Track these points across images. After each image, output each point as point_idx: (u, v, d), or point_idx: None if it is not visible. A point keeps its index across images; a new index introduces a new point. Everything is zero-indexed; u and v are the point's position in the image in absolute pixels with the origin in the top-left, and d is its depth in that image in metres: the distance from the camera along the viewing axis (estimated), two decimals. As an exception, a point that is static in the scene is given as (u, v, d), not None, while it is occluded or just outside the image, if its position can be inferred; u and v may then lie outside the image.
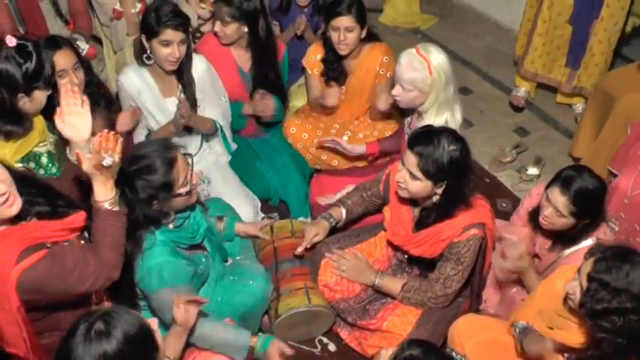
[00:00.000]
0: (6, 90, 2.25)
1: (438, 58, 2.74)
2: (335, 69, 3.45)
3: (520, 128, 4.19)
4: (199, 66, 3.14)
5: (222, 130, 3.32)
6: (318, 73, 3.51)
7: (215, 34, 3.34)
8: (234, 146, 3.47)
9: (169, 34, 2.86)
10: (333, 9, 3.25)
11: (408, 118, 3.06)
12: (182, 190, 2.31)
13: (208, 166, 3.33)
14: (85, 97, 2.02)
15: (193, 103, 3.13)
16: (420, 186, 2.41)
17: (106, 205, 2.02)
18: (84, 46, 3.51)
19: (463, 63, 4.79)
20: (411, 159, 2.38)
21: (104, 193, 2.02)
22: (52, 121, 2.34)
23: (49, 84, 2.33)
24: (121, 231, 2.07)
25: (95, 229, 2.04)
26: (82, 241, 2.07)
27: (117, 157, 1.99)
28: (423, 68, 2.72)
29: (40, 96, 2.33)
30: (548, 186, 2.51)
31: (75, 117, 1.99)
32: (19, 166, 2.35)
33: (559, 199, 2.43)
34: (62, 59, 2.70)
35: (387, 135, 3.44)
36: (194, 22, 3.82)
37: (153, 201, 2.27)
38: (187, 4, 3.86)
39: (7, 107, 2.27)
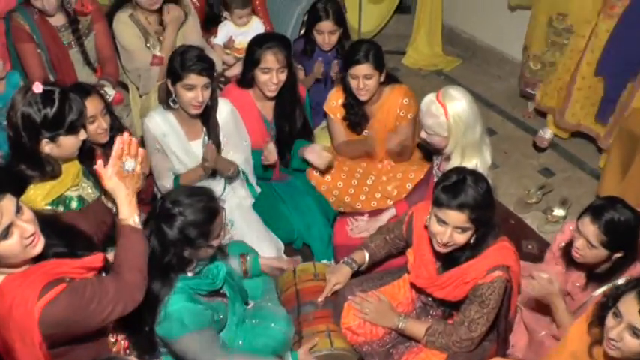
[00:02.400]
0: (27, 134, 2.31)
1: (456, 105, 2.76)
2: (356, 113, 3.47)
3: (545, 169, 4.15)
4: (224, 109, 3.19)
5: (245, 175, 3.35)
6: (340, 117, 3.53)
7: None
8: (258, 190, 3.49)
9: (193, 78, 2.91)
10: (351, 57, 3.29)
11: (437, 160, 3.07)
12: (214, 243, 2.35)
13: (231, 208, 3.33)
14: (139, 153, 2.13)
15: (217, 147, 3.16)
16: (466, 236, 2.40)
17: (130, 223, 2.07)
18: (110, 92, 3.60)
19: (487, 105, 4.79)
20: (457, 217, 2.34)
21: (128, 211, 2.08)
22: (88, 165, 2.43)
23: (74, 131, 2.38)
24: (143, 250, 2.11)
25: (119, 248, 2.08)
26: None
27: (138, 167, 2.07)
28: (440, 114, 2.76)
29: (67, 142, 2.39)
30: (579, 217, 2.48)
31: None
32: (47, 208, 2.40)
33: (589, 228, 2.40)
34: (91, 105, 2.78)
35: (411, 176, 3.45)
36: (219, 67, 3.89)
37: (185, 246, 2.29)
38: (212, 50, 3.94)
39: (28, 151, 2.33)
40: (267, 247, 3.20)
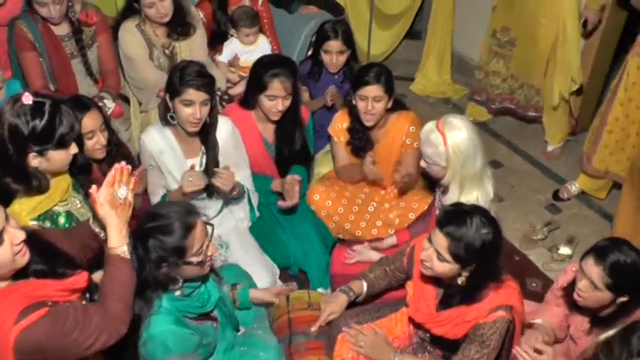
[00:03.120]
0: (13, 146, 2.22)
1: (456, 135, 2.65)
2: (361, 138, 3.39)
3: (552, 205, 4.05)
4: (224, 128, 3.10)
5: (248, 196, 3.26)
6: (344, 141, 3.44)
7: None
8: (257, 214, 3.39)
9: (191, 93, 2.83)
10: (361, 78, 3.21)
11: (439, 191, 2.97)
12: (194, 259, 2.22)
13: (227, 230, 3.24)
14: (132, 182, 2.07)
15: (216, 166, 3.06)
16: (446, 268, 2.29)
17: (119, 252, 1.98)
18: (110, 105, 3.54)
19: (493, 135, 4.70)
20: (440, 240, 2.26)
21: (118, 240, 1.99)
22: (82, 181, 2.33)
23: (64, 145, 2.29)
24: (131, 281, 2.02)
25: (105, 278, 1.99)
26: (84, 302, 1.99)
27: (130, 195, 1.98)
28: (439, 143, 2.66)
29: (57, 156, 2.29)
30: (582, 257, 2.37)
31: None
32: (32, 223, 2.30)
33: (593, 269, 2.29)
34: (90, 121, 2.72)
35: (414, 206, 3.35)
36: (222, 85, 3.82)
37: (162, 263, 2.18)
38: (216, 67, 3.87)
39: (14, 164, 2.24)
40: (263, 272, 3.09)
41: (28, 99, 2.19)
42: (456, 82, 5.35)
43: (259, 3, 4.07)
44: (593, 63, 4.20)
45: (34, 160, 2.26)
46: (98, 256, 2.09)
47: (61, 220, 2.41)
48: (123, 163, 2.04)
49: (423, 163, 2.78)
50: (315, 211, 3.43)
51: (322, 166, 3.80)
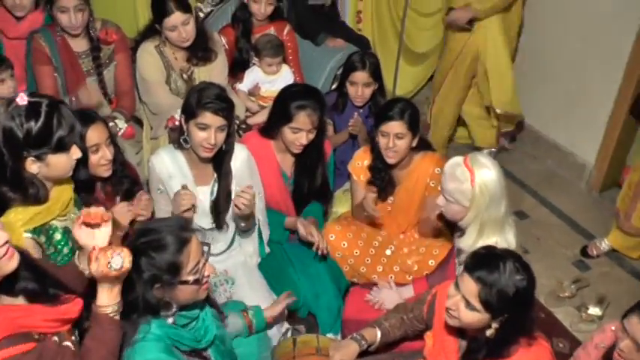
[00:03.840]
0: (8, 151, 2.05)
1: (486, 173, 2.46)
2: (382, 178, 3.20)
3: (580, 261, 3.82)
4: (239, 156, 2.92)
5: (259, 229, 3.07)
6: (364, 180, 3.26)
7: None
8: (267, 250, 3.19)
9: (208, 117, 2.66)
10: (385, 113, 3.04)
11: (456, 235, 2.76)
12: (190, 278, 2.00)
13: (235, 265, 3.04)
14: (107, 214, 1.87)
15: (227, 196, 2.88)
16: (475, 317, 2.07)
17: (109, 312, 1.80)
18: (122, 125, 3.43)
19: (520, 185, 4.51)
20: (469, 285, 2.05)
21: (108, 299, 1.82)
22: (84, 199, 2.18)
23: (63, 148, 2.11)
24: (116, 343, 1.85)
25: (90, 337, 1.81)
26: (73, 337, 1.80)
27: (127, 261, 1.78)
28: (465, 180, 2.46)
29: (57, 161, 2.12)
30: (625, 316, 2.16)
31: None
32: (27, 236, 2.13)
33: (639, 328, 2.07)
34: (95, 134, 2.55)
35: (435, 252, 3.14)
36: (241, 114, 3.68)
37: (155, 284, 1.97)
38: (236, 95, 3.74)
39: (10, 171, 2.07)
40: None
41: (22, 100, 2.03)
42: (482, 128, 5.18)
43: (285, 32, 3.95)
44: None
45: (32, 166, 2.10)
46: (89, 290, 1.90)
47: (57, 236, 2.24)
48: (101, 209, 1.87)
49: (441, 201, 2.57)
50: (329, 251, 3.20)
51: (340, 205, 3.61)
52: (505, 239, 2.52)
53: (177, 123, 2.98)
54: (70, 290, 1.85)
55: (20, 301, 1.71)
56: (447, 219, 2.67)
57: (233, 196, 2.87)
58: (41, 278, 1.77)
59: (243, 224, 2.93)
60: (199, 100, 2.67)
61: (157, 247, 1.97)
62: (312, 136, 3.03)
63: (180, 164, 2.85)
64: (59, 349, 1.70)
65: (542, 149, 4.83)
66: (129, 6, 4.06)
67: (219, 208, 2.89)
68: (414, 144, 3.09)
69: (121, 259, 1.77)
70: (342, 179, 3.67)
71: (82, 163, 2.38)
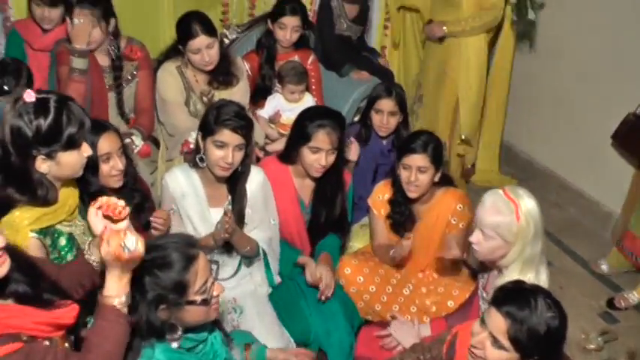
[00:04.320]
0: (16, 150, 1.97)
1: (528, 203, 2.33)
2: (402, 212, 3.08)
3: (606, 313, 3.63)
4: (255, 179, 2.82)
5: (265, 258, 2.92)
6: (384, 214, 3.14)
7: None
8: (277, 280, 3.04)
9: (226, 135, 2.57)
10: (407, 145, 2.96)
11: (484, 277, 2.61)
12: (197, 298, 1.87)
13: (244, 294, 2.90)
14: (126, 209, 1.77)
15: (240, 219, 2.77)
16: (502, 357, 1.92)
17: (115, 303, 1.67)
18: (138, 142, 3.36)
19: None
20: (497, 321, 1.90)
21: (116, 288, 1.69)
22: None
23: (74, 145, 2.02)
24: (124, 338, 1.71)
25: (94, 328, 1.68)
26: (67, 344, 1.68)
27: (140, 245, 1.66)
28: (510, 212, 2.31)
29: (68, 159, 2.03)
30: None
31: None
32: (33, 235, 2.03)
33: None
34: (107, 142, 2.47)
35: (455, 293, 3.00)
36: (260, 141, 3.59)
37: (160, 304, 1.84)
38: (257, 122, 3.65)
39: (18, 171, 1.98)
40: (278, 345, 2.70)
41: (30, 96, 1.95)
42: (504, 173, 5.06)
43: (309, 61, 3.90)
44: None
45: (42, 165, 2.01)
46: (90, 295, 1.77)
47: (62, 241, 2.14)
48: (120, 201, 1.76)
49: (477, 237, 2.39)
50: (344, 286, 3.08)
51: (357, 239, 3.48)
52: (539, 280, 2.37)
53: (191, 147, 2.91)
54: (68, 296, 1.73)
55: (10, 303, 1.59)
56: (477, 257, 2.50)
57: (247, 219, 2.75)
58: (35, 282, 1.65)
59: (247, 249, 2.81)
60: (218, 116, 2.59)
61: (161, 265, 1.85)
62: (331, 158, 2.93)
63: (194, 183, 2.75)
64: (48, 349, 1.57)
65: (566, 197, 4.70)
66: (152, 26, 4.04)
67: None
68: (437, 178, 2.99)
69: (135, 241, 1.66)
70: (360, 213, 3.53)
71: (93, 172, 2.30)
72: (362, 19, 4.33)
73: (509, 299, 1.91)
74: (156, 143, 3.63)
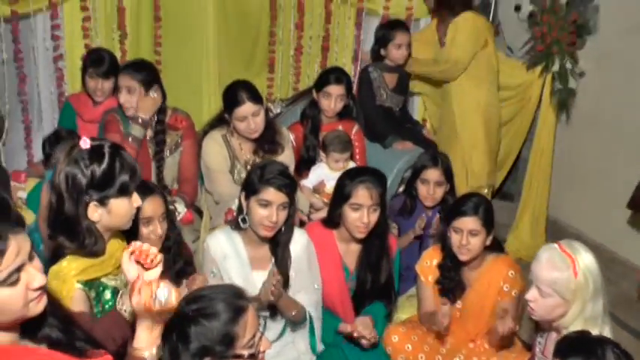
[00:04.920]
0: (70, 196, 1.99)
1: (586, 257, 2.26)
2: (452, 278, 2.99)
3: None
4: (299, 241, 2.79)
5: (311, 323, 2.84)
6: (432, 280, 3.05)
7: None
8: (320, 347, 2.94)
9: (271, 193, 2.57)
10: (458, 208, 2.92)
11: (541, 341, 2.48)
12: (245, 352, 1.79)
13: (286, 361, 2.81)
14: (160, 256, 1.75)
15: (285, 282, 2.72)
16: None
17: (146, 355, 1.63)
18: (181, 209, 3.38)
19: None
20: None
21: (147, 340, 1.65)
22: None
23: (126, 192, 2.04)
24: None
25: None
26: None
27: (174, 297, 1.62)
28: (567, 267, 2.23)
29: (119, 206, 2.04)
30: None
31: None
32: (79, 286, 2.02)
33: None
34: (150, 206, 2.48)
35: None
36: (305, 209, 3.58)
37: (205, 357, 1.76)
38: (301, 192, 3.65)
39: (69, 219, 1.99)
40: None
41: (86, 143, 2.00)
42: (552, 247, 4.94)
43: (353, 131, 3.91)
44: None
45: (94, 213, 2.02)
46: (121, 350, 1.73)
47: (107, 295, 2.12)
48: (152, 248, 1.74)
49: (533, 295, 2.30)
50: (390, 355, 2.97)
51: (404, 311, 3.37)
52: None
53: (234, 215, 2.90)
54: (102, 346, 1.68)
55: (42, 348, 1.55)
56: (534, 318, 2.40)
57: (292, 283, 2.70)
58: (69, 329, 1.62)
59: (293, 313, 2.74)
60: (262, 175, 2.60)
61: (209, 315, 1.79)
62: (374, 216, 2.89)
63: (236, 245, 2.74)
64: None
65: (618, 271, 4.52)
66: (198, 97, 4.16)
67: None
68: (488, 242, 2.92)
69: (168, 292, 1.61)
70: (407, 284, 3.44)
71: (133, 235, 2.30)
72: (402, 88, 4.38)
73: (574, 350, 1.81)
74: (198, 212, 3.65)
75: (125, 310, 1.91)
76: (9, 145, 3.89)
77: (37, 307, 1.48)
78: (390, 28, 4.24)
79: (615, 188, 4.41)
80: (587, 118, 4.59)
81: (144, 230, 2.47)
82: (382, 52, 4.23)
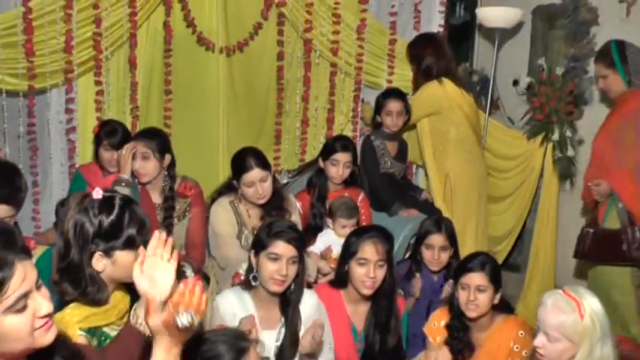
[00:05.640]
0: (76, 243, 2.00)
1: (591, 301, 2.25)
2: (461, 339, 2.97)
3: None
4: (309, 301, 2.80)
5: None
6: (440, 341, 3.03)
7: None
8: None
9: (280, 246, 2.61)
10: (464, 265, 2.95)
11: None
12: None
13: None
14: (174, 254, 1.69)
15: (295, 342, 2.70)
16: None
17: None
18: (189, 274, 3.36)
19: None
20: None
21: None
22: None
23: (131, 245, 2.04)
24: None
25: None
26: None
27: (196, 320, 1.58)
28: (572, 310, 2.22)
29: (124, 259, 2.04)
30: None
31: (158, 270, 1.65)
32: (81, 333, 2.00)
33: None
34: None
35: None
36: (312, 274, 3.58)
37: None
38: (308, 257, 3.67)
39: (75, 266, 2.00)
40: None
41: (98, 194, 2.03)
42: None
43: (359, 199, 3.97)
44: None
45: (99, 263, 2.03)
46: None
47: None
48: (193, 279, 1.68)
49: (540, 341, 2.29)
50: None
51: (410, 378, 3.32)
52: None
53: (242, 278, 2.91)
54: None
55: None
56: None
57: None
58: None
59: None
60: (270, 230, 2.65)
61: (211, 358, 1.81)
62: (380, 272, 2.91)
63: (246, 304, 2.74)
64: None
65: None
66: (208, 167, 4.24)
67: (284, 354, 2.69)
68: (496, 300, 2.92)
69: (191, 316, 1.57)
70: (414, 350, 3.38)
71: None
72: (402, 155, 4.48)
73: None
74: (206, 279, 3.65)
75: (140, 324, 1.88)
76: (16, 215, 3.92)
77: (46, 336, 1.47)
78: (383, 96, 4.39)
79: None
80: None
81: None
82: (378, 119, 4.37)
